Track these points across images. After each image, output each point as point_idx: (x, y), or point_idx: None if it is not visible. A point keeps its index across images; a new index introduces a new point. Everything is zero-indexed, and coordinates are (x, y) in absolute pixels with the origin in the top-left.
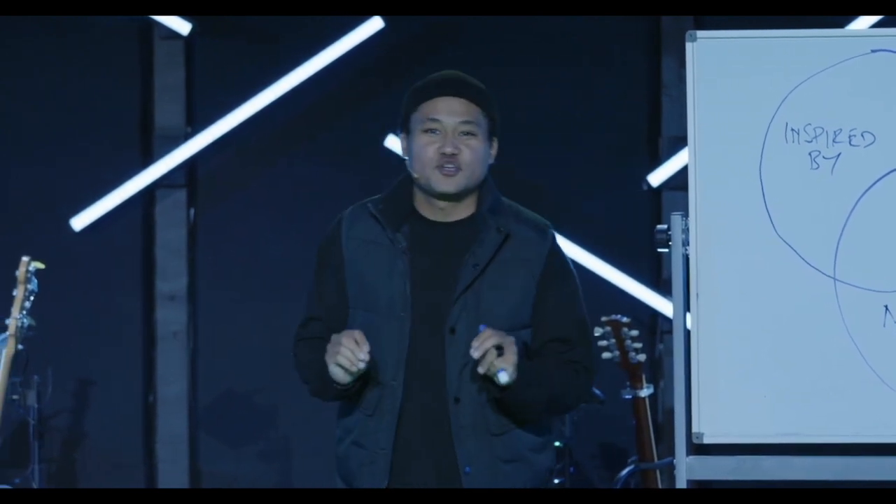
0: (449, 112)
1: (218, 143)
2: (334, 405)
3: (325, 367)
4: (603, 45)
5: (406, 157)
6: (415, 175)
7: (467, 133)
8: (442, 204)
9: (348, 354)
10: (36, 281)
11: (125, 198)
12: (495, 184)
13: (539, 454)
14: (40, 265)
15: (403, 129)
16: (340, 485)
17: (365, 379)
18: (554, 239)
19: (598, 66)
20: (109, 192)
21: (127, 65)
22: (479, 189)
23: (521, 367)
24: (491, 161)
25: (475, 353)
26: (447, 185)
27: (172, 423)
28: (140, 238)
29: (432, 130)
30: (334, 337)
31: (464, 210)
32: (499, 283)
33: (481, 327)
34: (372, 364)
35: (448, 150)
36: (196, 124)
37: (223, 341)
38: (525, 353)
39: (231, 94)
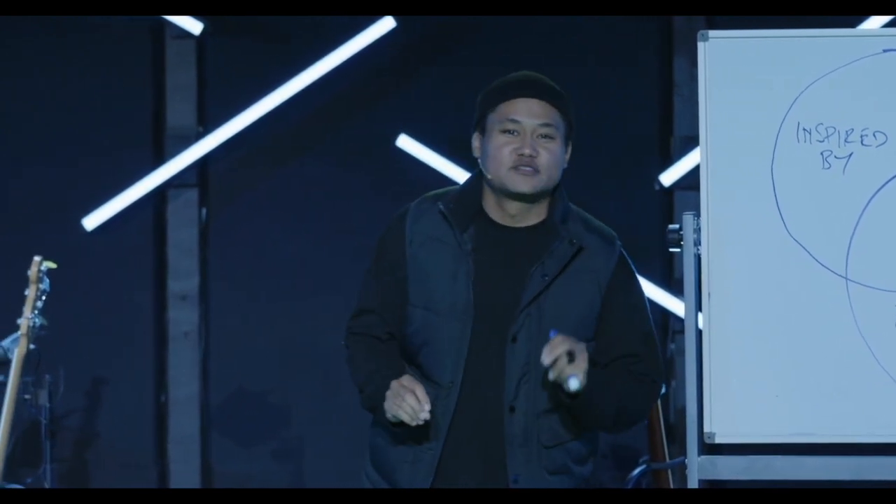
0: (529, 113)
1: (230, 142)
2: (348, 404)
3: (380, 395)
4: (614, 44)
5: (478, 157)
6: (489, 175)
7: (546, 136)
8: (513, 209)
9: (410, 412)
10: (48, 280)
11: (137, 197)
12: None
13: (582, 466)
14: (52, 265)
15: (478, 128)
16: (371, 471)
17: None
18: (622, 250)
19: (608, 65)
20: (121, 192)
21: (138, 64)
22: (551, 195)
23: (591, 375)
24: (565, 165)
25: (546, 360)
26: (524, 185)
27: (184, 422)
28: (152, 238)
29: (510, 131)
30: (394, 385)
31: (534, 216)
32: (565, 295)
33: (552, 333)
34: (430, 365)
35: (526, 151)
36: (208, 124)
37: (235, 341)
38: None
39: (243, 94)
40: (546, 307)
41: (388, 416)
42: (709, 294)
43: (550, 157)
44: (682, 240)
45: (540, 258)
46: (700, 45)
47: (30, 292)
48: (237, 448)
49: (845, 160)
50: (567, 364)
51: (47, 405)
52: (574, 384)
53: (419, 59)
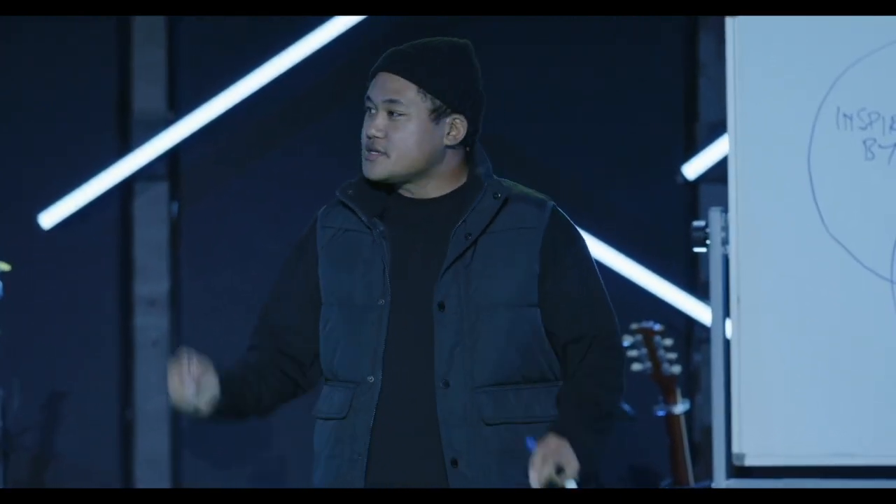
0: (379, 89)
1: (204, 130)
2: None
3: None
4: (633, 18)
5: None
6: None
7: (396, 113)
8: (412, 187)
9: (174, 396)
10: (0, 284)
11: (100, 191)
12: (491, 159)
13: None
14: (5, 267)
15: None
16: None
17: (335, 380)
18: (555, 208)
19: (626, 41)
20: (82, 185)
21: (101, 40)
22: (465, 159)
23: (579, 448)
24: (450, 142)
25: (536, 485)
26: (369, 171)
27: (153, 441)
28: (117, 236)
29: (369, 109)
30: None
31: (448, 184)
32: (493, 255)
33: (530, 444)
34: (345, 364)
35: (371, 131)
36: (179, 108)
37: (209, 351)
38: (536, 334)
39: (219, 75)
40: (473, 269)
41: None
42: (738, 299)
43: (402, 136)
44: (708, 238)
45: (462, 216)
46: (728, 20)
47: None
48: (212, 470)
49: (891, 150)
50: (557, 475)
51: (0, 422)
52: (572, 485)
53: (413, 37)
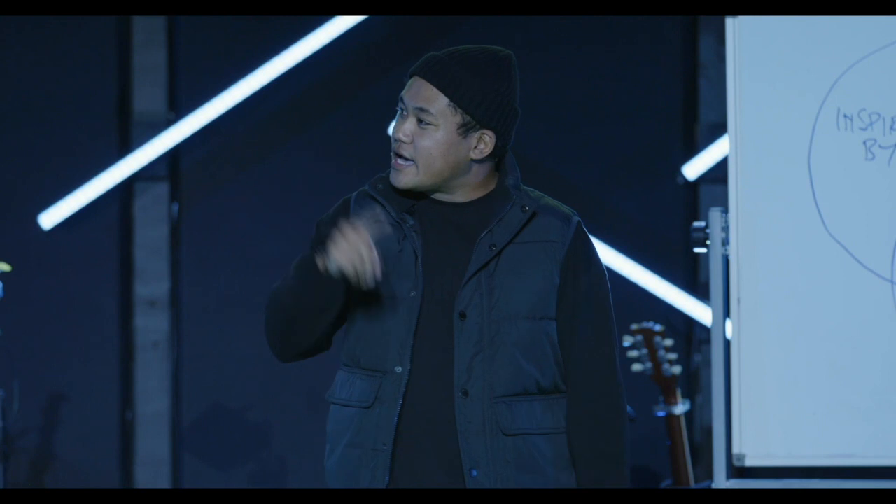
0: (411, 94)
1: (204, 130)
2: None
3: (306, 267)
4: (633, 19)
5: None
6: None
7: (424, 122)
8: (441, 194)
9: (357, 258)
10: (1, 284)
11: (100, 192)
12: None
13: (561, 472)
14: (5, 267)
15: None
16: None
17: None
18: (580, 223)
19: (627, 43)
20: (82, 186)
21: (102, 42)
22: (495, 168)
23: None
24: (476, 156)
25: None
26: (396, 179)
27: (153, 443)
28: (117, 237)
29: (400, 109)
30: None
31: (479, 190)
32: (517, 267)
33: None
34: (370, 353)
35: (398, 134)
36: (179, 109)
37: (209, 352)
38: (552, 347)
39: (219, 76)
40: (497, 280)
41: (331, 264)
42: (738, 300)
43: (428, 144)
44: (708, 239)
45: (488, 226)
46: (728, 21)
47: None
48: (212, 471)
49: (891, 150)
50: None
51: (0, 424)
52: None
53: (414, 39)
